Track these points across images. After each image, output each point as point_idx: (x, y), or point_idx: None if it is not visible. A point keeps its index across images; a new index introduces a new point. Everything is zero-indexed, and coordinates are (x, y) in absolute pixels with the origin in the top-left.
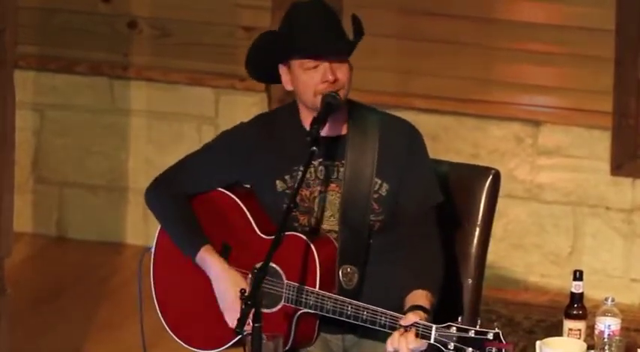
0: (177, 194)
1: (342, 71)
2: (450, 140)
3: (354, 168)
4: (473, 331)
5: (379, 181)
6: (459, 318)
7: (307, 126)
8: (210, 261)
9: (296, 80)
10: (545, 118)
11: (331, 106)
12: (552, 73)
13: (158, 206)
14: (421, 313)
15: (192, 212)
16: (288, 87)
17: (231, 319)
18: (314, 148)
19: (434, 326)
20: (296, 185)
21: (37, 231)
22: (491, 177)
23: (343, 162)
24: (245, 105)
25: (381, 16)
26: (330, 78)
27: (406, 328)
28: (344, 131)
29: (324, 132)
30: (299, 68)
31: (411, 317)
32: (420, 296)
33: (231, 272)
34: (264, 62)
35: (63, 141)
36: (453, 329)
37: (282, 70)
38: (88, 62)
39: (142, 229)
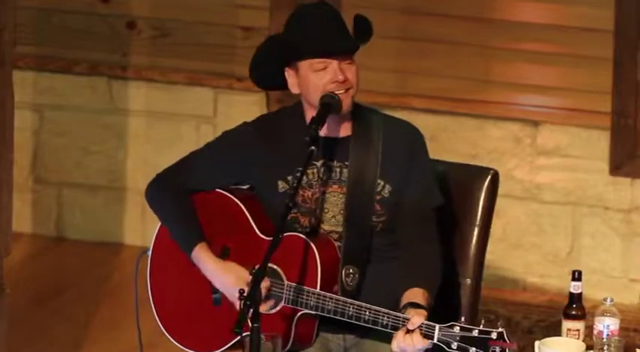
0: (178, 191)
1: (351, 71)
2: (449, 140)
3: (357, 170)
4: (476, 330)
5: (382, 182)
6: (462, 318)
7: None
8: (203, 258)
9: (305, 82)
10: (544, 118)
11: (329, 107)
12: (551, 73)
13: (158, 201)
14: (423, 311)
15: (192, 209)
16: (295, 90)
17: None
18: (313, 148)
19: (437, 326)
20: (295, 184)
21: (35, 231)
22: (489, 177)
23: (347, 163)
24: (243, 105)
25: (380, 16)
26: (340, 78)
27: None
28: (347, 132)
29: (328, 133)
30: (308, 70)
31: (416, 320)
32: (417, 294)
33: (227, 264)
34: (269, 67)
35: (62, 142)
36: (457, 329)
37: (289, 73)
38: (87, 62)
39: (140, 229)
